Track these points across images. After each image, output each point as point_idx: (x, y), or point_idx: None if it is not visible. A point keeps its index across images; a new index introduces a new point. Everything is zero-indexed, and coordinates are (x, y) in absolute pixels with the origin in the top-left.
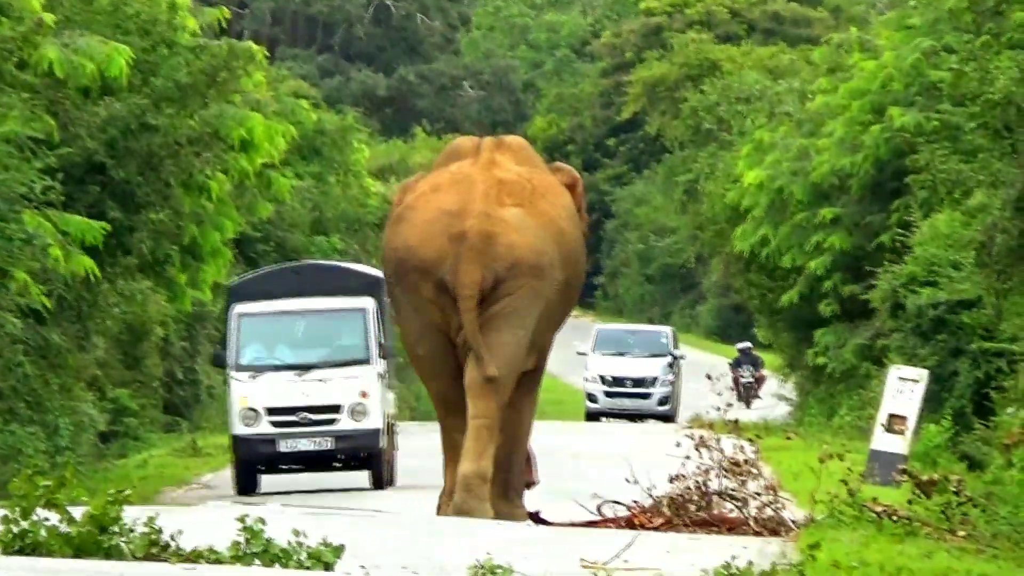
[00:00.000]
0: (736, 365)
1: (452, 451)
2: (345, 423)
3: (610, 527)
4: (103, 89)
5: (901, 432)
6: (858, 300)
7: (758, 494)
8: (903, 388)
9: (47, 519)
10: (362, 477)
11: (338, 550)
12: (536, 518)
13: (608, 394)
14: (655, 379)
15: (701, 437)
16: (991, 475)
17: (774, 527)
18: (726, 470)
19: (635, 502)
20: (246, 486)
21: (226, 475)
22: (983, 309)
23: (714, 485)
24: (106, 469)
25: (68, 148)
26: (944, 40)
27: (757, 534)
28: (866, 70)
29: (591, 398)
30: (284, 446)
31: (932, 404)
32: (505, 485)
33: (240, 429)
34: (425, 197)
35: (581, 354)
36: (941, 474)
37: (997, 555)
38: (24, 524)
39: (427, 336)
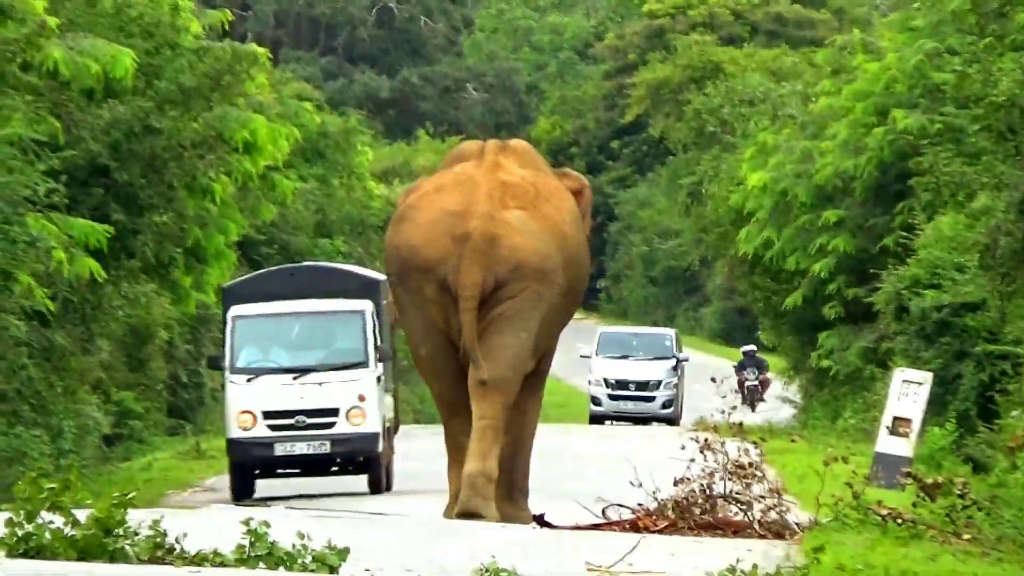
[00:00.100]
0: (741, 368)
1: (456, 453)
2: (342, 427)
3: (615, 530)
4: (107, 91)
5: (905, 435)
6: (862, 303)
7: (762, 497)
8: (907, 391)
9: (51, 522)
10: (360, 481)
11: (343, 553)
12: (541, 521)
13: (612, 397)
14: (659, 382)
15: (706, 440)
16: (996, 478)
17: (779, 530)
18: (731, 473)
19: (640, 505)
20: (242, 490)
21: None
22: (987, 312)
23: (719, 488)
24: (110, 472)
25: (71, 151)
26: (947, 42)
27: (762, 537)
28: (869, 72)
29: (595, 401)
30: (281, 450)
31: (936, 407)
32: (510, 487)
33: (236, 432)
34: (428, 197)
35: (585, 357)
36: (946, 477)
37: (1002, 558)
38: (28, 527)
39: (430, 337)
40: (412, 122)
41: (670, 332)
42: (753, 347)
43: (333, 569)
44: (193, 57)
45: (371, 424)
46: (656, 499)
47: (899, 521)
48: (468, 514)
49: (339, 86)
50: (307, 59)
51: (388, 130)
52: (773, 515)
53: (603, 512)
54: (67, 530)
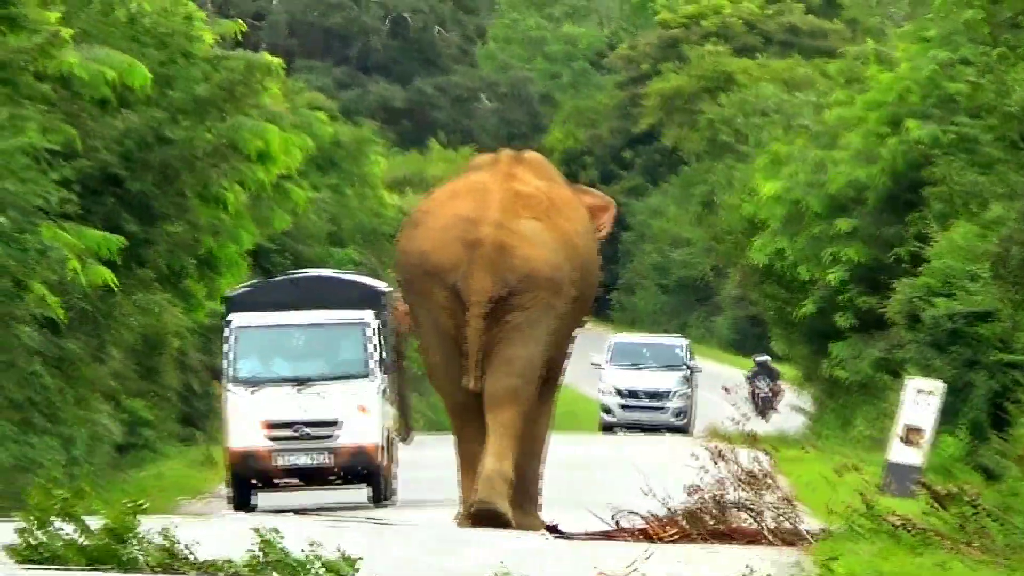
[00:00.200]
0: (753, 377)
1: (467, 461)
2: (344, 438)
3: (626, 539)
4: (120, 102)
5: (918, 444)
6: (874, 312)
7: (774, 506)
8: (920, 400)
9: (63, 530)
10: (361, 493)
11: (354, 561)
12: (552, 529)
13: (623, 407)
14: (670, 392)
15: (718, 449)
16: (1008, 487)
17: (790, 539)
18: (742, 482)
19: (651, 513)
20: (241, 502)
21: None
22: (999, 321)
23: (730, 497)
24: (122, 480)
25: (85, 160)
26: (961, 52)
27: (773, 546)
28: (883, 82)
29: (606, 410)
30: (281, 461)
31: (948, 416)
32: (521, 496)
33: (236, 443)
34: (441, 203)
35: (596, 366)
36: (957, 486)
37: (1014, 567)
38: (40, 535)
39: (440, 344)
40: (425, 132)
41: (682, 341)
42: (766, 357)
43: None
44: (207, 66)
45: (373, 436)
46: (668, 507)
47: (911, 530)
48: (485, 508)
49: (352, 96)
50: (320, 69)
51: (401, 140)
52: (785, 524)
53: (615, 521)
54: (79, 538)
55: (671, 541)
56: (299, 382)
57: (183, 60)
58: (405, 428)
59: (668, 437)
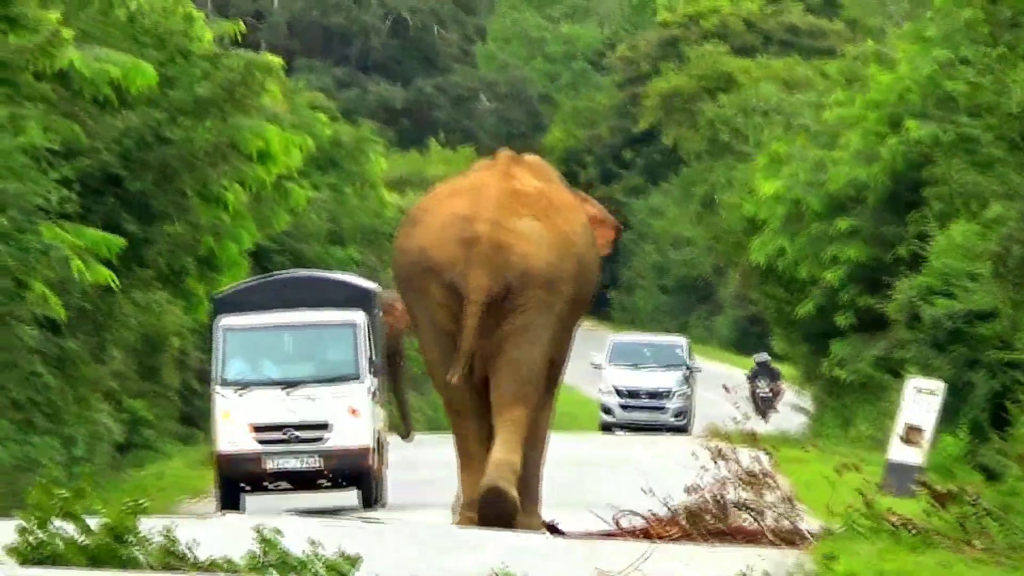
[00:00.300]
0: (753, 377)
1: (465, 458)
2: (333, 441)
3: (626, 538)
4: (120, 101)
5: (918, 443)
6: (874, 311)
7: (775, 505)
8: (920, 399)
9: (64, 530)
10: (350, 496)
11: (355, 561)
12: (552, 528)
13: (623, 406)
14: (670, 392)
15: (719, 448)
16: (1008, 486)
17: (791, 538)
18: (743, 481)
19: (651, 513)
20: (229, 506)
21: None
22: (999, 320)
23: (731, 496)
24: (123, 480)
25: (85, 160)
26: (961, 52)
27: (774, 545)
28: (882, 82)
29: (606, 410)
30: (270, 464)
31: (948, 415)
32: (523, 494)
33: (224, 446)
34: (440, 201)
35: (596, 366)
36: (958, 485)
37: (1015, 567)
38: (41, 535)
39: (438, 341)
40: (425, 131)
41: (682, 341)
42: (767, 356)
43: None
44: (207, 65)
45: (363, 438)
46: (668, 507)
47: (911, 529)
48: (493, 489)
49: (352, 95)
50: (320, 69)
51: (401, 139)
52: (785, 523)
53: (615, 520)
54: (79, 538)
55: (671, 540)
56: (288, 384)
57: (183, 60)
58: (405, 427)
59: (668, 436)
